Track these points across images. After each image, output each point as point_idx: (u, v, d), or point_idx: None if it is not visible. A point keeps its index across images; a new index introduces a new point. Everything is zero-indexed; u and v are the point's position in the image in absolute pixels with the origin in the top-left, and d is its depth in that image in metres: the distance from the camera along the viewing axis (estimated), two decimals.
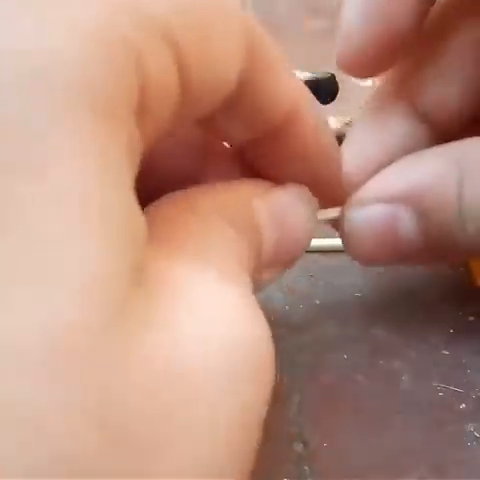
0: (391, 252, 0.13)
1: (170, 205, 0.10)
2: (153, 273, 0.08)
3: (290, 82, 0.11)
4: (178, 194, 0.11)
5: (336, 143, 0.13)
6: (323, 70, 0.21)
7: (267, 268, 0.11)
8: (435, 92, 0.14)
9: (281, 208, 0.12)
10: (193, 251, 0.09)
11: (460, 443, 0.13)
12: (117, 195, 0.07)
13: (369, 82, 0.28)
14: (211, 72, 0.09)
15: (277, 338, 0.15)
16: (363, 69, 0.15)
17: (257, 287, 0.11)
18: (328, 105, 0.20)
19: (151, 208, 0.10)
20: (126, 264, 0.07)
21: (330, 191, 0.13)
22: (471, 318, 0.16)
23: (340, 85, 0.21)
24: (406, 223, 0.13)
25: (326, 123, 0.12)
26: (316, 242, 0.18)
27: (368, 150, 0.14)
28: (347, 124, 0.21)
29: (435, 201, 0.13)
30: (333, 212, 0.14)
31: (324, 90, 0.20)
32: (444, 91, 0.14)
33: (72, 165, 0.07)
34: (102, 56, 0.08)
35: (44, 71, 0.07)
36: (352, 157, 0.14)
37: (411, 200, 0.13)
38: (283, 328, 0.16)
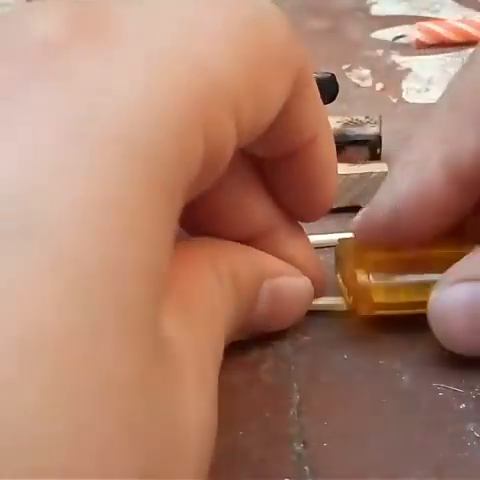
0: None
1: (198, 261, 0.11)
2: (168, 342, 0.09)
3: (318, 108, 0.12)
4: (205, 249, 0.12)
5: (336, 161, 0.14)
6: (323, 70, 0.21)
7: (258, 327, 0.14)
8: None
9: (283, 293, 0.13)
10: (203, 316, 0.10)
11: (460, 443, 0.13)
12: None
13: (369, 82, 0.28)
14: (263, 114, 0.10)
15: (277, 338, 0.15)
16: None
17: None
18: (328, 105, 0.20)
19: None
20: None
21: (322, 205, 0.14)
22: None
23: (340, 85, 0.21)
24: None
25: (332, 141, 0.13)
26: (315, 238, 0.18)
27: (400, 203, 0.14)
28: (347, 124, 0.21)
29: None
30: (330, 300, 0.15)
31: (324, 90, 0.20)
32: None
33: None
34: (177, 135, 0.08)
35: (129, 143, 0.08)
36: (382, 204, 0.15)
37: None
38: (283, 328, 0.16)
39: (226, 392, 0.14)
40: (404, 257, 0.15)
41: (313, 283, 0.14)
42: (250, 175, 0.13)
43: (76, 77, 0.08)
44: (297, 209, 0.14)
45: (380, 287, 0.14)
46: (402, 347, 0.15)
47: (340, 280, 0.16)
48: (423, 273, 0.14)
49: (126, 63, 0.08)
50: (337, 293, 0.16)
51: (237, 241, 0.13)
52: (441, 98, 0.15)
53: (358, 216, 0.15)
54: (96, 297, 0.07)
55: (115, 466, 0.07)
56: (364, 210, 0.15)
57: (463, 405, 0.13)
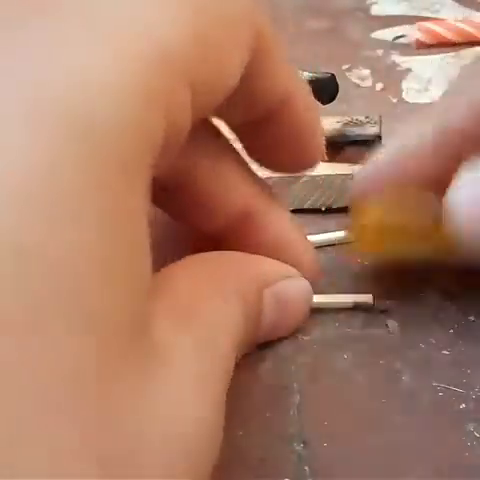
0: None
1: (195, 273, 0.12)
2: (158, 338, 0.09)
3: (285, 68, 0.12)
4: (203, 263, 0.12)
5: (319, 117, 0.14)
6: (323, 70, 0.21)
7: (265, 336, 0.14)
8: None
9: (286, 298, 0.14)
10: (200, 329, 0.10)
11: (460, 443, 0.13)
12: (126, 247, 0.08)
13: (369, 82, 0.28)
14: (219, 81, 0.10)
15: (278, 339, 0.15)
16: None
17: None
18: (328, 105, 0.20)
19: (175, 267, 0.11)
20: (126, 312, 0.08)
21: (309, 159, 0.14)
22: (471, 318, 0.16)
23: (340, 85, 0.20)
24: None
25: (313, 101, 0.13)
26: (315, 237, 0.18)
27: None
28: (347, 124, 0.21)
29: None
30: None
31: (324, 90, 0.20)
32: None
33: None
34: (135, 116, 0.08)
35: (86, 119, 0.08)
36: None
37: None
38: None
39: (226, 392, 0.14)
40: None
41: (304, 263, 0.14)
42: (227, 154, 0.13)
43: (21, 54, 0.08)
44: (283, 170, 0.14)
45: (389, 222, 0.15)
46: (402, 347, 0.15)
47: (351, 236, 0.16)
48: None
49: (71, 36, 0.08)
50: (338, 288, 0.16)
51: (222, 224, 0.13)
52: (445, 91, 0.16)
53: (361, 169, 0.16)
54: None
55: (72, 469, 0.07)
56: (365, 165, 0.16)
57: (463, 405, 0.13)
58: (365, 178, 0.16)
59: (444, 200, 0.14)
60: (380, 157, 0.16)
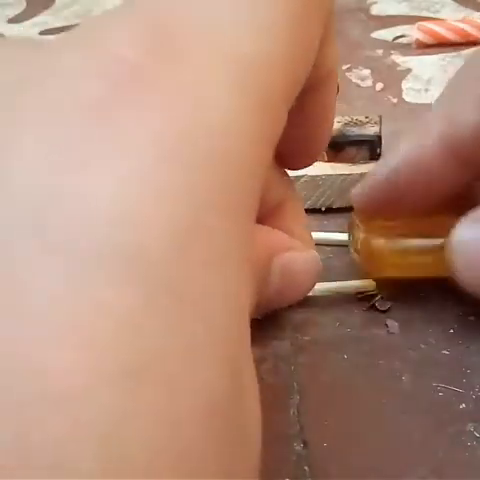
0: None
1: None
2: None
3: (336, 47, 0.12)
4: None
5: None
6: None
7: (269, 304, 0.14)
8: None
9: (293, 267, 0.14)
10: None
11: (460, 443, 0.13)
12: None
13: (369, 82, 0.28)
14: (308, 57, 0.11)
15: (277, 338, 0.15)
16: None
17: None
18: None
19: None
20: None
21: (317, 151, 0.14)
22: (471, 318, 0.16)
23: (340, 85, 0.20)
24: None
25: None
26: (315, 236, 0.18)
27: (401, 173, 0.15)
28: (347, 124, 0.21)
29: None
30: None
31: None
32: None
33: None
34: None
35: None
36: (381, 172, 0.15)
37: None
38: (283, 328, 0.16)
39: None
40: (411, 224, 0.16)
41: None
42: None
43: (162, 94, 0.08)
44: (298, 151, 0.14)
45: (390, 249, 0.15)
46: (402, 347, 0.15)
47: (353, 251, 0.16)
48: (429, 237, 0.15)
49: (204, 71, 0.08)
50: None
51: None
52: (445, 88, 0.15)
53: (358, 185, 0.16)
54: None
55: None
56: (364, 179, 0.16)
57: (463, 405, 0.13)
58: (363, 197, 0.16)
59: (445, 245, 0.14)
60: (379, 174, 0.15)
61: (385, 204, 0.15)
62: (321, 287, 0.15)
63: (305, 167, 0.15)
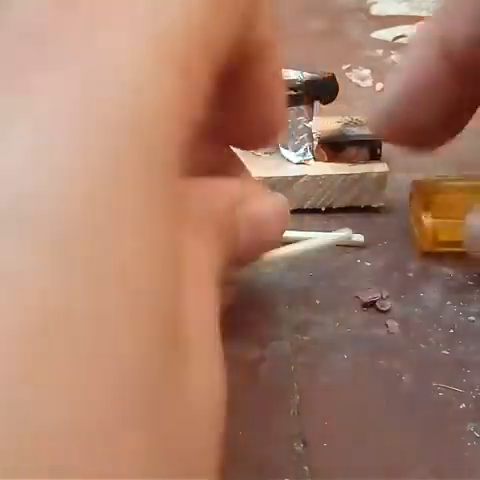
0: None
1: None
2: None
3: (270, 20, 0.12)
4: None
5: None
6: (323, 70, 0.21)
7: (241, 258, 0.13)
8: (460, 31, 0.14)
9: (258, 217, 0.13)
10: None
11: (460, 443, 0.13)
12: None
13: (369, 82, 0.28)
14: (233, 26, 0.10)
15: (277, 338, 0.15)
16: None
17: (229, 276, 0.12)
18: (328, 105, 0.20)
19: None
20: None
21: (272, 128, 0.14)
22: (471, 318, 0.16)
23: (340, 85, 0.20)
24: None
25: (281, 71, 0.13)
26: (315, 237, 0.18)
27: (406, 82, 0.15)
28: (347, 124, 0.21)
29: None
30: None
31: (324, 90, 0.20)
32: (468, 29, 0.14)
33: None
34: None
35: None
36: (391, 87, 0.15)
37: None
38: (283, 328, 0.16)
39: (226, 392, 0.14)
40: (462, 199, 0.17)
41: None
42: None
43: (71, 58, 0.08)
44: (250, 132, 0.13)
45: (441, 226, 0.17)
46: (402, 347, 0.15)
47: (412, 220, 0.18)
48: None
49: (122, 37, 0.08)
50: None
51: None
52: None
53: (374, 106, 0.16)
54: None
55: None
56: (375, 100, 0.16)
57: (463, 405, 0.13)
58: (378, 121, 0.15)
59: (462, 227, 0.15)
60: (387, 97, 0.15)
61: (392, 122, 0.15)
62: (300, 247, 0.15)
63: (262, 147, 0.14)
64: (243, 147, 0.14)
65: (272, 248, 0.14)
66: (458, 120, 0.15)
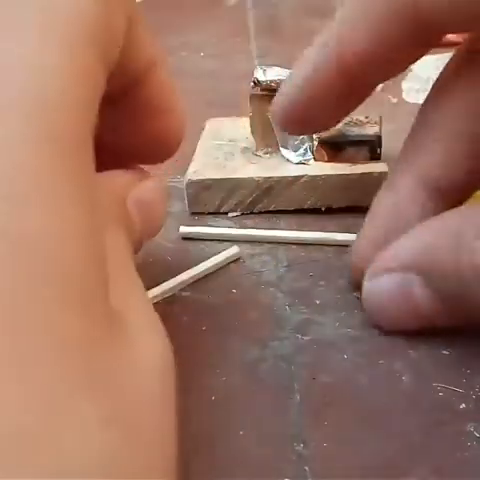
0: (413, 318, 0.14)
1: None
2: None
3: (150, 42, 0.13)
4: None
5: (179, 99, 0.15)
6: None
7: (136, 244, 0.14)
8: (442, 165, 0.15)
9: (145, 201, 0.14)
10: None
11: (460, 443, 0.12)
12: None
13: None
14: (116, 47, 0.12)
15: (277, 338, 0.15)
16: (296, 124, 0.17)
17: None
18: None
19: None
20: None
21: (170, 142, 0.15)
22: None
23: None
24: (421, 290, 0.14)
25: (170, 77, 0.14)
26: (315, 236, 0.18)
27: (382, 227, 0.16)
28: (347, 124, 0.21)
29: (438, 270, 0.14)
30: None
31: None
32: (450, 162, 0.15)
33: None
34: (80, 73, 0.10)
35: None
36: (368, 231, 0.16)
37: (419, 269, 0.14)
38: (283, 328, 0.16)
39: (226, 392, 0.14)
40: None
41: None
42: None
43: None
44: (143, 148, 0.15)
45: None
46: (402, 347, 0.15)
47: None
48: None
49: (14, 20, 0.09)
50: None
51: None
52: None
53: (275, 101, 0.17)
54: None
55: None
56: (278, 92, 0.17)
57: (463, 405, 0.13)
58: (284, 112, 0.16)
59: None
60: (287, 93, 0.16)
61: (297, 110, 0.16)
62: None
63: (160, 162, 0.15)
64: (143, 163, 0.15)
65: (158, 230, 0.15)
66: (344, 111, 0.17)
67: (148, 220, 0.14)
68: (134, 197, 0.13)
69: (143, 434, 0.08)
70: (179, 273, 0.17)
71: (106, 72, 0.11)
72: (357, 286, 0.16)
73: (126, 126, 0.14)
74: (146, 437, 0.08)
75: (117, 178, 0.14)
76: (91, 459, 0.07)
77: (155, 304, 0.14)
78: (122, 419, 0.08)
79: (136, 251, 0.14)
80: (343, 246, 0.18)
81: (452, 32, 0.15)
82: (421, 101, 0.18)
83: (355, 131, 0.21)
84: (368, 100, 0.27)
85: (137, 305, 0.11)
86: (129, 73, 0.13)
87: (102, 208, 0.11)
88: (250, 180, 0.20)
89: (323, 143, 0.20)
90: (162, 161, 0.15)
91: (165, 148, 0.15)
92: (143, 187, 0.14)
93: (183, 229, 0.19)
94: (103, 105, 0.11)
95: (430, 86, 0.17)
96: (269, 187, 0.20)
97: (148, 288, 0.16)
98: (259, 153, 0.21)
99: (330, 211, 0.20)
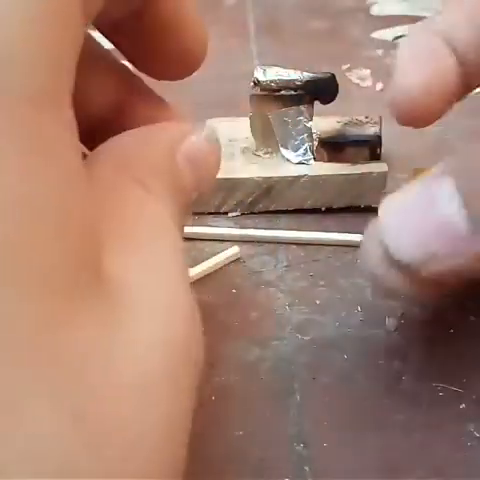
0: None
1: (109, 169, 0.11)
2: (110, 271, 0.09)
3: None
4: (113, 153, 0.12)
5: (200, 18, 0.14)
6: (323, 70, 0.21)
7: (190, 200, 0.13)
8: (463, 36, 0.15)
9: (196, 154, 0.13)
10: (140, 242, 0.10)
11: (460, 443, 0.13)
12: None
13: (369, 82, 0.28)
14: None
15: (277, 338, 0.15)
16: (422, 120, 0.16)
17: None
18: (328, 105, 0.20)
19: (88, 167, 0.11)
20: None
21: (193, 57, 0.14)
22: (472, 318, 0.16)
23: (340, 85, 0.21)
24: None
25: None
26: (315, 236, 0.18)
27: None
28: (347, 124, 0.21)
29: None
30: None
31: (324, 90, 0.20)
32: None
33: None
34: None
35: None
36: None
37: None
38: (283, 328, 0.16)
39: (226, 392, 0.14)
40: None
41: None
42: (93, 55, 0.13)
43: None
44: (165, 66, 0.14)
45: None
46: (402, 347, 0.15)
47: None
48: None
49: None
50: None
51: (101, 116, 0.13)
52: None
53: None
54: None
55: None
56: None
57: (463, 405, 0.13)
58: (406, 111, 0.15)
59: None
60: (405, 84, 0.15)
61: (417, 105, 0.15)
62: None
63: (183, 77, 0.14)
64: (168, 78, 0.14)
65: (211, 181, 0.14)
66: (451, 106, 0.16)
67: (202, 175, 0.13)
68: (186, 151, 0.12)
69: (117, 442, 0.07)
70: None
71: (87, 18, 0.10)
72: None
73: (147, 45, 0.13)
74: (124, 443, 0.07)
75: (165, 131, 0.13)
76: (41, 459, 0.07)
77: None
78: (82, 421, 0.07)
79: (187, 209, 0.13)
80: (343, 246, 0.18)
81: None
82: None
83: (355, 131, 0.21)
84: (368, 100, 0.27)
85: (152, 280, 0.09)
86: None
87: (132, 171, 0.10)
88: (250, 180, 0.20)
89: (323, 143, 0.20)
90: (187, 76, 0.14)
91: (188, 64, 0.14)
92: (195, 140, 0.13)
93: None
94: (118, 28, 0.11)
95: None
96: (269, 187, 0.20)
97: None
98: (259, 153, 0.21)
99: (330, 211, 0.20)
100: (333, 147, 0.20)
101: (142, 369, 0.08)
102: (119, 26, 0.13)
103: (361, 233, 0.18)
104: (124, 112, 0.14)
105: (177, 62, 0.14)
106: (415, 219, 0.12)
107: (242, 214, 0.20)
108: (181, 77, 0.14)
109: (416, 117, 0.15)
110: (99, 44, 0.14)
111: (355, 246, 0.18)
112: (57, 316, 0.07)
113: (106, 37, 0.13)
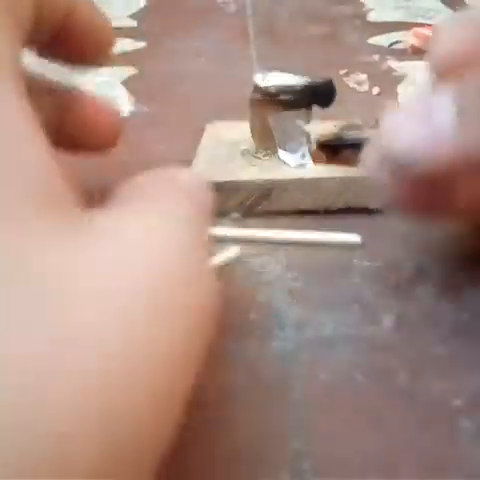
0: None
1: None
2: (98, 220, 0.10)
3: None
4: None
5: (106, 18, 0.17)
6: (321, 75, 0.21)
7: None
8: None
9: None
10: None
11: (456, 440, 0.13)
12: None
13: (366, 87, 0.28)
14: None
15: (277, 338, 0.15)
16: None
17: None
18: (326, 109, 0.21)
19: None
20: None
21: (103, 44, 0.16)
22: (467, 316, 0.16)
23: (338, 90, 0.21)
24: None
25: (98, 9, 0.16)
26: (314, 236, 0.18)
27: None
28: (344, 128, 0.21)
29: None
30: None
31: (322, 94, 0.21)
32: None
33: None
34: None
35: None
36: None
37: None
38: (283, 328, 0.16)
39: (226, 392, 0.14)
40: None
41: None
42: None
43: None
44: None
45: None
46: (401, 346, 0.15)
47: None
48: None
49: None
50: None
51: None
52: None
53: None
54: None
55: None
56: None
57: (458, 402, 0.13)
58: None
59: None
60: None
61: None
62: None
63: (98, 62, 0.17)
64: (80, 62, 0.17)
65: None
66: None
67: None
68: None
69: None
70: None
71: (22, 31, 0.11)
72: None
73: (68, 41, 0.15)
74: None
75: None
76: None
77: None
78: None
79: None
80: (342, 246, 0.18)
81: None
82: None
83: (352, 135, 0.21)
84: (365, 104, 0.28)
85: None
86: (49, 22, 0.14)
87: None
88: (250, 182, 0.20)
89: (321, 146, 0.21)
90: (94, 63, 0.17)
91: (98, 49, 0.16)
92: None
93: None
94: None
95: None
96: (268, 189, 0.20)
97: None
98: (259, 155, 0.21)
99: (329, 212, 0.20)
100: (331, 150, 0.21)
101: (111, 284, 0.08)
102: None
103: (359, 233, 0.18)
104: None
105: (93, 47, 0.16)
106: (412, 124, 0.13)
107: (242, 216, 0.20)
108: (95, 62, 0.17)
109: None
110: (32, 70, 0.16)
111: (353, 246, 0.18)
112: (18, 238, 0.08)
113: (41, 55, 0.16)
